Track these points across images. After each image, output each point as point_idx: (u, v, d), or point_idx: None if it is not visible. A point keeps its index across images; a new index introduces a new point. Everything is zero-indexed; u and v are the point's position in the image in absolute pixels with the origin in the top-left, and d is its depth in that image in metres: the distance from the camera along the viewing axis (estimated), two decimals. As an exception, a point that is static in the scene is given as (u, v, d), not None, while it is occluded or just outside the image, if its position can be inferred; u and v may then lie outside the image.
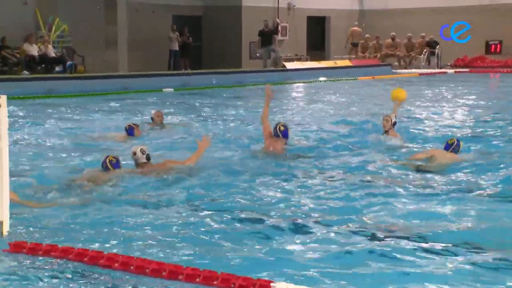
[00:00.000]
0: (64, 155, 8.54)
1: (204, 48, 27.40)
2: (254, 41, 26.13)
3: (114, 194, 6.31)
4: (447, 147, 7.77)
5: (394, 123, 9.11)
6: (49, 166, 7.77)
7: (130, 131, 9.69)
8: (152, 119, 10.90)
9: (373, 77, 23.66)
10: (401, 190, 6.50)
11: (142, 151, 6.99)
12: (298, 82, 22.23)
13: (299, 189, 6.57)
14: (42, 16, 21.70)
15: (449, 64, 28.29)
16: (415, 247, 4.73)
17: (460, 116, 13.06)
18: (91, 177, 6.76)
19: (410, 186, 6.67)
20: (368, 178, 7.08)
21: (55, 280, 4.09)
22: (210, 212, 5.70)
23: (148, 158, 6.99)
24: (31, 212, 5.58)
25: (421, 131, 10.67)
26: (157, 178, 6.89)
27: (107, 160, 6.84)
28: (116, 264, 4.21)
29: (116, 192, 6.38)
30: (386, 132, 9.11)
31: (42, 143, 9.58)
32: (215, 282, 3.89)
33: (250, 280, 3.84)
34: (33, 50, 20.27)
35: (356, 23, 29.30)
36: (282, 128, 8.21)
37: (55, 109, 13.97)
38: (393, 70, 26.76)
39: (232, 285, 3.83)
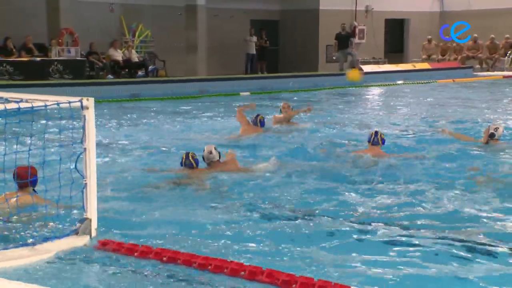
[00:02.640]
0: (149, 156, 8.78)
1: (281, 51, 27.49)
2: (331, 44, 26.01)
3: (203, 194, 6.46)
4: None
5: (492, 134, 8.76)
6: (135, 166, 8.00)
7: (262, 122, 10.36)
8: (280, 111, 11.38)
9: (453, 80, 23.08)
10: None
11: (216, 150, 7.19)
12: (376, 85, 21.95)
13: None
14: (127, 23, 22.35)
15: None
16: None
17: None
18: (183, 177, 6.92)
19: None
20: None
21: (138, 278, 4.23)
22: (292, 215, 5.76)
23: (219, 156, 7.18)
24: (121, 211, 5.75)
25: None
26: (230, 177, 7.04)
27: (190, 157, 7.02)
28: (194, 264, 4.34)
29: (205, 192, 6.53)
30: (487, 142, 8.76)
31: (126, 144, 9.86)
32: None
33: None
34: (118, 55, 20.94)
35: (429, 37, 28.62)
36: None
37: (138, 112, 14.36)
38: (475, 73, 26.00)
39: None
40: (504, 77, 24.64)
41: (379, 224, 5.44)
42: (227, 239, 5.02)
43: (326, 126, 11.86)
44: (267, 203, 6.17)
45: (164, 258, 4.43)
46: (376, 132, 8.21)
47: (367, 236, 5.15)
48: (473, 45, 28.04)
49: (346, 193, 6.54)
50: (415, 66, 26.39)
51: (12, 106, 4.59)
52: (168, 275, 4.25)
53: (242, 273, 4.16)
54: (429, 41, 28.43)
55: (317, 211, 5.88)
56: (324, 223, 5.51)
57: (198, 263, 4.32)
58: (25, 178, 5.49)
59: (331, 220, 5.61)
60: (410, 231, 5.24)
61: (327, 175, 7.37)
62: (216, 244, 4.89)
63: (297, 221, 5.56)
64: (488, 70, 27.10)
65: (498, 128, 8.86)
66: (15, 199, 5.41)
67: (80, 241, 4.81)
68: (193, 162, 6.98)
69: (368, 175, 7.27)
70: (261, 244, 4.89)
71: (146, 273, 4.28)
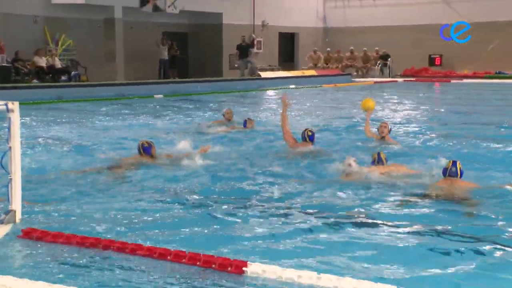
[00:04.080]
0: (73, 152, 8.48)
1: (190, 59, 27.33)
2: (233, 53, 26.14)
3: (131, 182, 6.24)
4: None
5: (390, 130, 8.53)
6: (65, 161, 7.68)
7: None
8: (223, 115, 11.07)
9: (335, 85, 23.78)
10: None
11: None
12: (271, 89, 22.28)
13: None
14: (50, 33, 21.46)
15: (399, 74, 28.56)
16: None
17: (405, 115, 13.23)
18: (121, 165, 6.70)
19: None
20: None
21: (62, 266, 4.04)
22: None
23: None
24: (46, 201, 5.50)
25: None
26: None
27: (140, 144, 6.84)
28: (113, 247, 4.22)
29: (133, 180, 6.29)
30: (383, 138, 8.47)
31: (54, 142, 9.49)
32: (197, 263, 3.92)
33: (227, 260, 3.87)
34: (42, 62, 20.06)
35: (315, 48, 29.30)
36: (309, 133, 7.92)
37: (62, 113, 13.84)
38: (352, 79, 26.92)
39: (213, 266, 3.86)
40: (375, 82, 25.72)
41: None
42: (146, 223, 4.92)
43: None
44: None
45: (87, 244, 4.28)
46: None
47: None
48: (351, 55, 29.12)
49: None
50: (304, 73, 26.96)
51: None
52: (90, 260, 4.09)
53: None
54: (315, 51, 29.13)
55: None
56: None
57: (116, 247, 4.20)
58: None
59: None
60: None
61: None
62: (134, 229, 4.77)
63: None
64: (362, 77, 28.16)
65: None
66: None
67: (4, 230, 4.57)
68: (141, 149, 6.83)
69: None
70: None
71: (68, 259, 4.10)
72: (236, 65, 26.05)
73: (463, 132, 10.56)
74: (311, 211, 5.33)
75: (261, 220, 5.08)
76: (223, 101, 18.18)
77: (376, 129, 8.87)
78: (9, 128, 4.75)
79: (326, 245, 4.43)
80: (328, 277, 3.59)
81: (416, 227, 4.84)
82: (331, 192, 5.97)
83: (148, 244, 4.25)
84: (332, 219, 5.06)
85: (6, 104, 4.75)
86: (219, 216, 5.19)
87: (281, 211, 5.35)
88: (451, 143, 9.22)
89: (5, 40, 19.18)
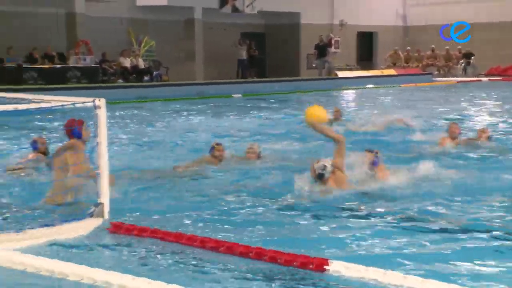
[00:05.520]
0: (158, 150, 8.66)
1: (267, 60, 27.43)
2: (311, 53, 26.01)
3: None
4: None
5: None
6: (143, 158, 7.89)
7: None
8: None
9: (415, 85, 23.10)
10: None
11: None
12: (349, 89, 21.96)
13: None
14: (134, 34, 22.21)
15: (483, 73, 27.34)
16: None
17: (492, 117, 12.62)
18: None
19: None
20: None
21: (146, 259, 4.11)
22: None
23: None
24: (132, 196, 5.63)
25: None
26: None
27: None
28: (195, 243, 4.26)
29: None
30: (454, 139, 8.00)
31: (137, 141, 9.75)
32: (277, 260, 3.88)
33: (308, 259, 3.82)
34: (127, 62, 20.80)
35: (396, 47, 28.55)
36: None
37: (145, 112, 14.26)
38: (433, 79, 26.05)
39: (294, 263, 3.82)
40: (458, 82, 24.72)
41: None
42: (227, 222, 4.94)
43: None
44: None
45: (170, 239, 4.35)
46: None
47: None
48: (432, 54, 28.21)
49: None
50: (383, 72, 26.38)
51: (35, 106, 4.52)
52: (173, 255, 4.16)
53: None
54: (395, 51, 28.42)
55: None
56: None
57: (198, 243, 4.25)
58: None
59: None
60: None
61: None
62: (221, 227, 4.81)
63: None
64: (444, 76, 27.18)
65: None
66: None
67: (94, 223, 4.73)
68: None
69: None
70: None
71: (153, 253, 4.19)
72: (313, 65, 25.90)
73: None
74: (393, 212, 5.17)
75: (341, 220, 4.99)
76: (301, 100, 18.11)
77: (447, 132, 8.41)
78: (96, 124, 4.89)
79: (410, 247, 4.27)
80: (414, 279, 3.47)
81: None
82: (413, 193, 5.78)
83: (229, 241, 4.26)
84: (418, 222, 4.88)
85: (93, 101, 4.90)
86: (298, 215, 5.15)
87: (362, 212, 5.23)
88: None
89: (93, 42, 20.02)
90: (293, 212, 5.26)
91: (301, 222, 4.97)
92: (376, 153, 6.25)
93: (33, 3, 19.22)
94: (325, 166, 5.66)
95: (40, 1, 19.30)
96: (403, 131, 9.86)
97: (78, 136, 5.38)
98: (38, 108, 4.51)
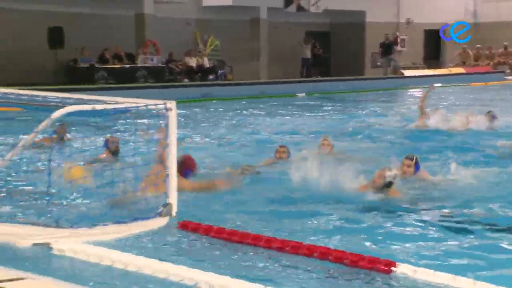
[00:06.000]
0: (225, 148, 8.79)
1: (332, 58, 27.23)
2: (376, 52, 25.60)
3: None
4: None
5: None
6: (210, 158, 8.02)
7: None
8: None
9: (486, 83, 22.31)
10: None
11: None
12: (415, 88, 21.47)
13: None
14: (200, 34, 22.61)
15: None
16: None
17: None
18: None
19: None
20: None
21: (213, 257, 4.20)
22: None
23: None
24: (199, 196, 5.72)
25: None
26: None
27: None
28: (261, 243, 4.31)
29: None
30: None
31: (202, 139, 9.93)
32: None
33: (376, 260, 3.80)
34: (192, 62, 21.20)
35: (464, 46, 27.61)
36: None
37: (209, 111, 14.48)
38: (505, 77, 25.05)
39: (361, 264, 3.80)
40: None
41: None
42: (295, 223, 4.96)
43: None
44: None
45: (235, 239, 4.42)
46: None
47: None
48: (504, 51, 27.14)
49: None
50: (451, 71, 25.63)
51: (110, 107, 4.73)
52: (238, 253, 4.23)
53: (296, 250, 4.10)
54: (464, 49, 27.53)
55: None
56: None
57: (263, 242, 4.30)
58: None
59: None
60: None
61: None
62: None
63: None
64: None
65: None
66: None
67: (163, 221, 4.86)
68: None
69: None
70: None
71: (219, 252, 4.28)
72: (378, 64, 25.49)
73: None
74: (464, 215, 5.06)
75: (409, 222, 4.93)
76: (365, 99, 17.89)
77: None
78: (167, 126, 5.02)
79: (479, 250, 4.17)
80: (485, 286, 3.39)
81: None
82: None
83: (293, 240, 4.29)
84: (487, 226, 4.75)
85: (165, 104, 5.05)
86: (361, 217, 5.12)
87: (431, 215, 5.14)
88: None
89: (161, 42, 20.52)
90: (356, 214, 5.23)
91: (364, 224, 4.94)
92: (416, 159, 6.28)
93: (105, 5, 19.91)
94: (396, 175, 5.69)
95: (112, 3, 19.97)
96: (478, 132, 9.63)
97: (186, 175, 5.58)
98: (114, 108, 4.71)
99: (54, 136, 8.04)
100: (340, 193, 5.83)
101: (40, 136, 7.73)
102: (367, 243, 4.39)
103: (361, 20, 26.47)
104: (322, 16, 25.44)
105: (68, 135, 8.35)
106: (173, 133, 5.04)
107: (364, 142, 8.95)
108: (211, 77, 21.43)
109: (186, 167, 5.63)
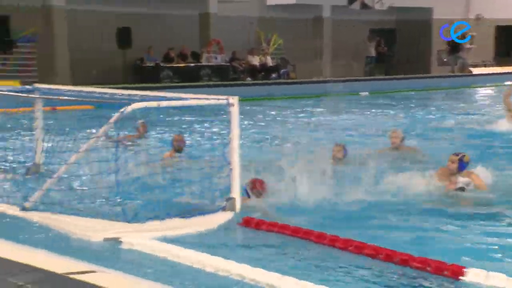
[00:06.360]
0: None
1: (397, 56, 26.66)
2: (442, 49, 24.89)
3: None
4: None
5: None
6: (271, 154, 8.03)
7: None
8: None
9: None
10: None
11: None
12: (484, 87, 20.71)
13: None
14: (263, 33, 22.70)
15: None
16: None
17: None
18: None
19: None
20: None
21: (276, 253, 4.22)
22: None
23: None
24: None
25: None
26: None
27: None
28: (324, 241, 4.28)
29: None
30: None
31: (264, 138, 9.96)
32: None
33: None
34: (255, 61, 21.31)
35: None
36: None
37: (272, 110, 14.51)
38: None
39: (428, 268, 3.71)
40: None
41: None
42: (352, 221, 4.90)
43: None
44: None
45: (299, 235, 4.41)
46: None
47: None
48: None
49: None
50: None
51: (173, 103, 4.84)
52: (300, 251, 4.21)
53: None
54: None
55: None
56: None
57: (327, 240, 4.26)
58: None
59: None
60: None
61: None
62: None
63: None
64: None
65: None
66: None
67: (226, 216, 4.92)
68: None
69: None
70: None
71: (281, 248, 4.27)
72: (445, 60, 24.76)
73: None
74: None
75: (480, 227, 4.76)
76: (432, 98, 17.42)
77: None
78: (229, 121, 5.08)
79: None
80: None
81: None
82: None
83: (358, 240, 4.23)
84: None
85: (227, 99, 5.10)
86: (431, 219, 4.99)
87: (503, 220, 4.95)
88: None
89: (224, 41, 20.76)
90: (424, 216, 5.10)
91: (432, 227, 4.81)
92: (462, 157, 5.92)
93: (170, 6, 20.33)
94: (470, 183, 5.58)
95: (177, 3, 20.38)
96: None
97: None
98: (181, 105, 4.83)
99: (136, 134, 8.45)
100: (407, 194, 5.70)
101: (121, 134, 8.14)
102: (435, 247, 4.27)
103: (427, 17, 25.79)
104: (387, 13, 24.98)
105: (147, 134, 8.60)
106: (235, 128, 5.09)
107: (429, 142, 8.70)
108: (273, 75, 21.47)
109: (254, 189, 5.54)
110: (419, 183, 5.84)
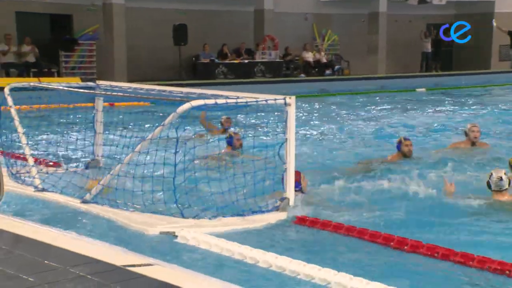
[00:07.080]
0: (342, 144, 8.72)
1: (455, 51, 25.92)
2: (504, 44, 23.97)
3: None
4: None
5: None
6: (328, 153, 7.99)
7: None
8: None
9: None
10: None
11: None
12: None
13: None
14: (317, 29, 22.56)
15: None
16: None
17: None
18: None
19: None
20: None
21: (330, 252, 4.21)
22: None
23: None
24: (316, 190, 5.75)
25: None
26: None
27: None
28: (378, 240, 4.25)
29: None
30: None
31: (319, 135, 9.90)
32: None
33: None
34: (309, 57, 21.20)
35: None
36: None
37: (327, 106, 14.41)
38: None
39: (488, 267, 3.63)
40: None
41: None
42: (408, 220, 4.83)
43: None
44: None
45: (353, 234, 4.39)
46: None
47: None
48: None
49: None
50: None
51: (232, 101, 4.92)
52: (353, 249, 4.19)
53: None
54: None
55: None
56: None
57: (381, 240, 4.23)
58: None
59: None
60: None
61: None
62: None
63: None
64: None
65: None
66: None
67: (280, 216, 4.93)
68: None
69: None
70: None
71: (335, 246, 4.26)
72: (506, 56, 23.88)
73: None
74: None
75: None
76: (492, 94, 16.88)
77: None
78: (286, 121, 5.07)
79: None
80: None
81: None
82: None
83: (412, 239, 4.18)
84: None
85: (284, 98, 5.09)
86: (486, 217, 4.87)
87: None
88: None
89: (278, 37, 20.75)
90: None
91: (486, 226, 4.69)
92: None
93: (225, 2, 20.49)
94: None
95: (232, 0, 20.52)
96: None
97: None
98: (235, 103, 4.88)
99: (221, 128, 8.68)
100: (470, 192, 5.56)
101: (204, 130, 8.38)
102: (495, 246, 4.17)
103: (489, 11, 24.89)
104: (446, 7, 24.32)
105: (232, 129, 8.66)
106: (292, 127, 5.08)
107: (489, 139, 8.43)
108: (327, 72, 21.32)
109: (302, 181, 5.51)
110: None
